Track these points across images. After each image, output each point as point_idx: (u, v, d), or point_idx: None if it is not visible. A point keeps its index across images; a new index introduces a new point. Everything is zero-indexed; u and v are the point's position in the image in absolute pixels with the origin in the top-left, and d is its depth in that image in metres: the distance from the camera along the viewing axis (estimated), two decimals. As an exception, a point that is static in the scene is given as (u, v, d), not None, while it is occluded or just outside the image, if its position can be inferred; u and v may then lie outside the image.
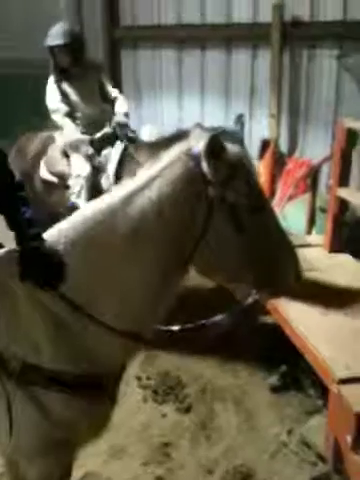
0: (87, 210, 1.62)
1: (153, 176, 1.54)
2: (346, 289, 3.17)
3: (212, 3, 6.30)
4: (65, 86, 4.03)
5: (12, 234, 1.56)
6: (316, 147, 5.65)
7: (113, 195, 1.59)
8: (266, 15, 5.70)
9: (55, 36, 3.98)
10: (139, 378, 3.42)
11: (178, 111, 6.94)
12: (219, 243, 1.54)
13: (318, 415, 3.01)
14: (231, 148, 1.53)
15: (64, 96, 4.01)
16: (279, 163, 5.61)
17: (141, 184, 1.54)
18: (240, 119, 3.13)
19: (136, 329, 1.59)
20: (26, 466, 1.68)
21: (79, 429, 1.64)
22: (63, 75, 4.04)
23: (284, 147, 5.81)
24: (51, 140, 4.17)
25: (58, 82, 4.02)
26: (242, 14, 6.05)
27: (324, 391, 2.75)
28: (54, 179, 4.02)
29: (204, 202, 1.51)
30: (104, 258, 1.52)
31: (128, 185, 1.58)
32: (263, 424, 3.06)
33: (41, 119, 4.69)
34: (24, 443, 1.60)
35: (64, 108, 3.96)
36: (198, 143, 1.51)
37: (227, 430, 3.02)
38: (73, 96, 4.04)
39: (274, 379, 3.35)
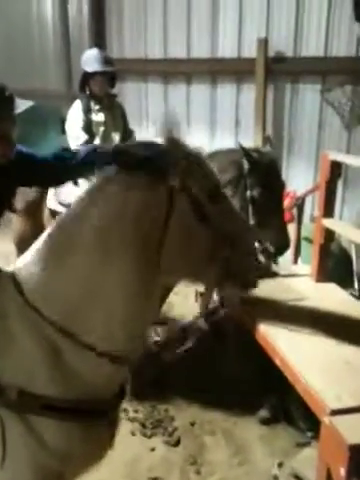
0: (50, 232, 1.64)
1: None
2: (335, 319, 3.17)
3: (197, 38, 6.46)
4: (93, 115, 3.97)
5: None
6: (300, 179, 5.74)
7: (69, 214, 1.63)
8: (250, 50, 5.87)
9: (93, 62, 3.90)
10: (126, 411, 3.35)
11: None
12: (184, 234, 1.56)
13: (308, 448, 2.98)
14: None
15: (88, 125, 3.93)
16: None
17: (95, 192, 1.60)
18: (268, 140, 3.40)
19: (123, 348, 1.58)
20: None
21: (76, 459, 1.59)
22: (94, 103, 3.98)
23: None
24: None
25: (86, 111, 3.94)
26: (226, 49, 6.21)
27: (314, 423, 2.72)
28: (63, 210, 3.97)
29: (164, 192, 1.54)
30: (79, 274, 1.53)
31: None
32: (254, 457, 3.01)
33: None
34: (18, 477, 1.55)
35: (84, 137, 3.87)
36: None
37: (217, 464, 2.96)
38: (101, 126, 3.99)
39: (264, 411, 3.31)
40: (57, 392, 1.50)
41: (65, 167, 1.73)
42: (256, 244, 3.14)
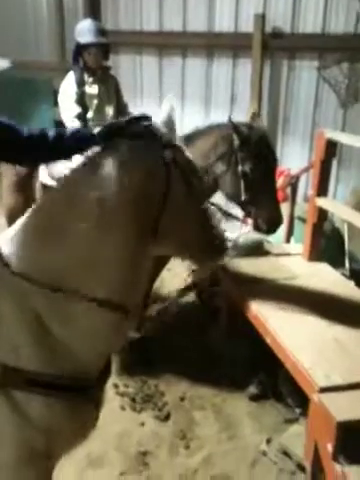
0: (43, 202, 1.63)
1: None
2: (326, 298, 3.19)
3: (194, 11, 6.34)
4: (86, 88, 3.86)
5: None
6: (295, 156, 5.72)
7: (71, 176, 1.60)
8: (247, 25, 5.78)
9: (87, 34, 3.77)
10: (116, 385, 3.37)
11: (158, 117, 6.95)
12: (178, 207, 1.60)
13: (297, 424, 3.01)
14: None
15: (81, 98, 3.82)
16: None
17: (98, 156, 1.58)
18: (257, 115, 3.42)
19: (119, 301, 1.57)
20: None
21: (61, 436, 1.58)
22: (87, 75, 3.87)
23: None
24: None
25: (79, 83, 3.82)
26: (223, 23, 6.11)
27: (302, 400, 2.76)
28: (55, 183, 3.90)
29: (162, 165, 1.57)
30: (75, 243, 1.50)
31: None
32: (242, 433, 3.05)
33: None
34: (2, 454, 1.53)
35: (77, 109, 3.77)
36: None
37: (206, 439, 3.00)
38: (94, 98, 3.89)
39: (253, 388, 3.34)
40: (42, 366, 1.48)
41: (50, 147, 1.62)
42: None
